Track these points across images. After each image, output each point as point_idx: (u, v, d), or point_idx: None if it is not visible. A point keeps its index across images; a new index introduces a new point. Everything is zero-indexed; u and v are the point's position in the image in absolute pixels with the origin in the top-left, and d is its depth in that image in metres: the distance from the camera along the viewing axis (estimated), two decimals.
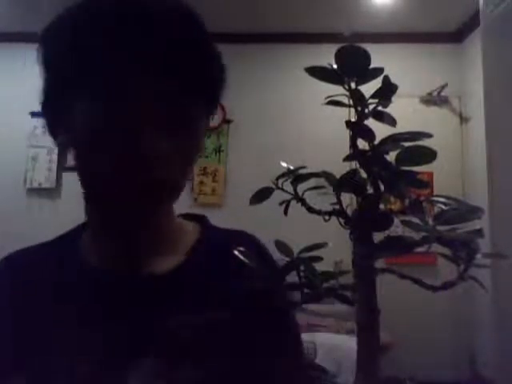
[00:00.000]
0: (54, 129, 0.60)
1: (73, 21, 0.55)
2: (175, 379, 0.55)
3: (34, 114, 3.83)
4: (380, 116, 0.37)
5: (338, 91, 0.37)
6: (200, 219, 0.71)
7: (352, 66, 0.36)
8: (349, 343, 2.40)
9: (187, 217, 0.71)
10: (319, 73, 0.37)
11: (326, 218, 0.40)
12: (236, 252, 0.40)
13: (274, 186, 0.43)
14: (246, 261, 0.40)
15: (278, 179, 0.43)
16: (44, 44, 0.57)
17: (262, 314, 0.59)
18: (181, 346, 0.57)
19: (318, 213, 0.40)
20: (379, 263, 0.37)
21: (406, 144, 0.36)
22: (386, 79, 0.37)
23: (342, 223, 0.38)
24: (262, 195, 0.42)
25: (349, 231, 0.38)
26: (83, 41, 0.53)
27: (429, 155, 0.35)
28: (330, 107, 0.37)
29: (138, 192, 0.53)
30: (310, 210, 0.41)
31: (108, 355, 0.56)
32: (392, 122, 0.37)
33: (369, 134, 0.37)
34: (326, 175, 0.40)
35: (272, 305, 0.54)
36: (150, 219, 0.60)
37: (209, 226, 0.70)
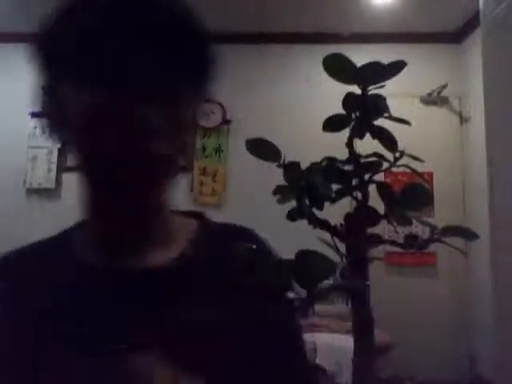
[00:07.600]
0: (55, 125, 0.62)
1: (77, 13, 0.58)
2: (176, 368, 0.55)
3: (33, 115, 3.83)
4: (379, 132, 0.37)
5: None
6: (198, 216, 0.72)
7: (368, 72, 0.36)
8: (349, 343, 2.40)
9: (186, 214, 0.72)
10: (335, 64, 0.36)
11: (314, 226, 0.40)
12: (233, 244, 0.40)
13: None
14: (244, 252, 0.40)
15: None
16: (46, 37, 0.59)
17: (263, 308, 0.59)
18: (181, 338, 0.57)
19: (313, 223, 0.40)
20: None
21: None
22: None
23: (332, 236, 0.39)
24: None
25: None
26: (88, 30, 0.56)
27: (426, 197, 0.36)
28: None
29: (135, 166, 0.56)
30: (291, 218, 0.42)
31: (109, 350, 0.56)
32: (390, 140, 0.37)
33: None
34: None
35: (275, 301, 0.54)
36: (146, 199, 0.61)
37: (206, 221, 0.71)
